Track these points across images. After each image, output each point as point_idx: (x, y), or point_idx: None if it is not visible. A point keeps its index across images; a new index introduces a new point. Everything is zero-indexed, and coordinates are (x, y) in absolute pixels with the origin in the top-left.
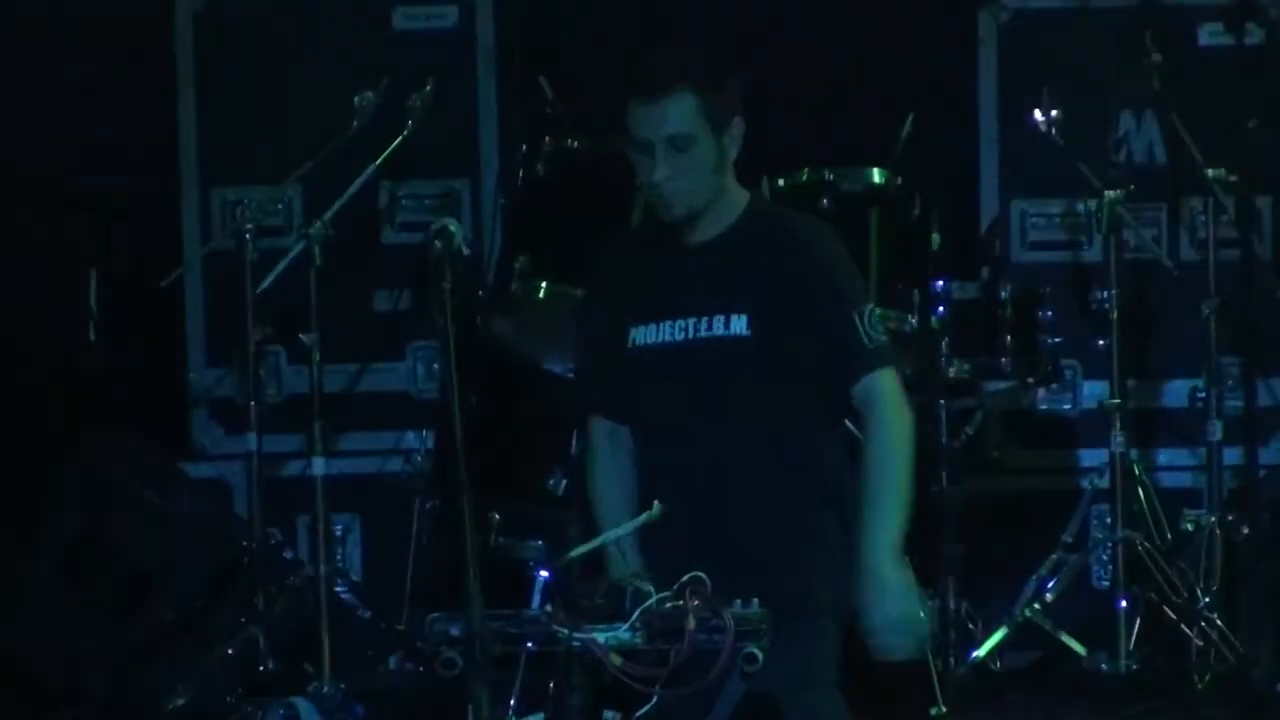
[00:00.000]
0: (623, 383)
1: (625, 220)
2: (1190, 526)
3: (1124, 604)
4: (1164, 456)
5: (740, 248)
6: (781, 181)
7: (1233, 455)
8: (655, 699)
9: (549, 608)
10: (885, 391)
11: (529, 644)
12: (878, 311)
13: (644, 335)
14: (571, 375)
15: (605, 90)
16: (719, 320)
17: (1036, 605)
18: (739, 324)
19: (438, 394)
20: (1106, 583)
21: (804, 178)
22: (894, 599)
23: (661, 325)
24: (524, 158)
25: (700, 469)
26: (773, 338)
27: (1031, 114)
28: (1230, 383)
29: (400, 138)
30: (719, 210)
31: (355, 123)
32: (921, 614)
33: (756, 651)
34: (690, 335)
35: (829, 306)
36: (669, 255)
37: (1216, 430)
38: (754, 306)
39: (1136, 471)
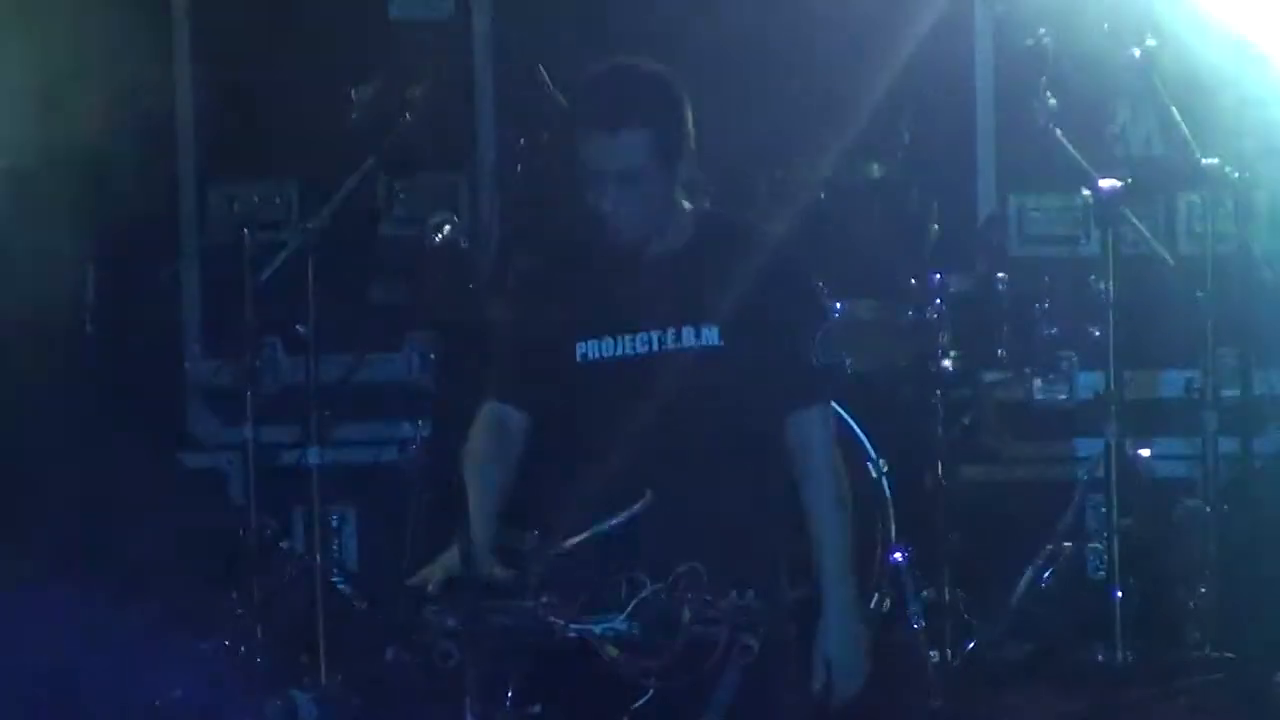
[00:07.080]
0: (556, 391)
1: None
2: (1186, 516)
3: (1119, 594)
4: (1160, 446)
5: (698, 259)
6: (780, 175)
7: (1228, 445)
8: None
9: (545, 599)
10: (823, 436)
11: (525, 635)
12: (830, 335)
13: (596, 349)
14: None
15: None
16: (688, 331)
17: (1032, 596)
18: (710, 335)
19: (434, 384)
20: (1102, 573)
21: (802, 171)
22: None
23: (620, 339)
24: (522, 150)
25: (666, 476)
26: (743, 348)
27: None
28: (1226, 373)
29: (397, 130)
30: (669, 224)
31: (353, 115)
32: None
33: (753, 643)
34: (655, 348)
35: (786, 322)
36: (619, 269)
37: (1212, 421)
38: (723, 317)
39: (1132, 461)
